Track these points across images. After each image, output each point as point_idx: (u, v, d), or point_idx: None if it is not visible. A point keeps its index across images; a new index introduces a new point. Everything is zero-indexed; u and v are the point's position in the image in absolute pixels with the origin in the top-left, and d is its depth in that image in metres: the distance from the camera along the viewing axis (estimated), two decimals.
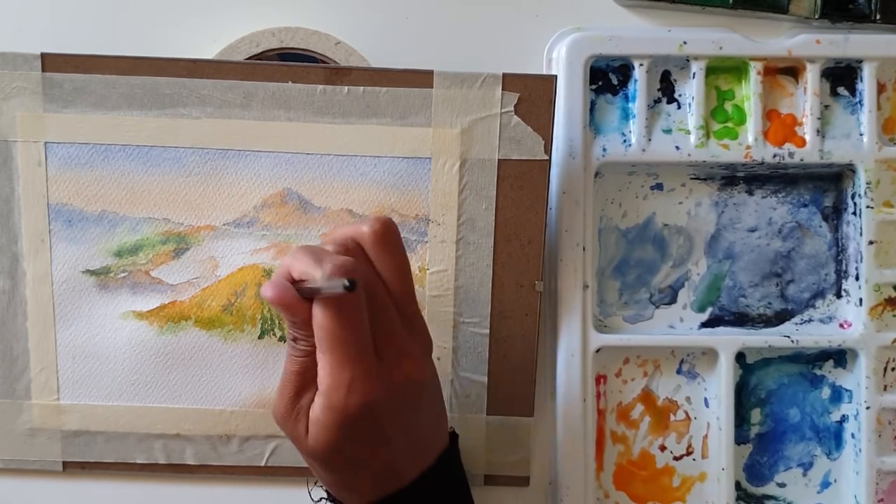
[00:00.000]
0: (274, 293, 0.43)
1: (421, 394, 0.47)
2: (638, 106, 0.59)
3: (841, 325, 0.61)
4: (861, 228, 0.60)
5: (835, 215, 0.62)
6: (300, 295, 0.44)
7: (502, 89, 0.56)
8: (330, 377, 0.44)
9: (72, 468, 0.59)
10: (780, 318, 0.62)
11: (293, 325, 0.45)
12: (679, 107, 0.60)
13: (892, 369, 0.60)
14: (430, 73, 0.56)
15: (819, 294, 0.62)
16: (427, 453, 0.49)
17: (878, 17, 0.59)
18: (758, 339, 0.60)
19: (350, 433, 0.45)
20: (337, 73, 0.56)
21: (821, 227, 0.62)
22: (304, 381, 0.45)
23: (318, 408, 0.45)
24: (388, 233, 0.46)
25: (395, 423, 0.46)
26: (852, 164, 0.60)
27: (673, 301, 0.62)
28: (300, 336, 0.45)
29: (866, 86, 0.60)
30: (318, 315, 0.43)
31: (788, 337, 0.60)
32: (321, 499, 0.52)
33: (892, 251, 0.60)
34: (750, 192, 0.62)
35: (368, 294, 0.44)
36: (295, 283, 0.44)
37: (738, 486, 0.61)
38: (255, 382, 0.58)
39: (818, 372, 0.62)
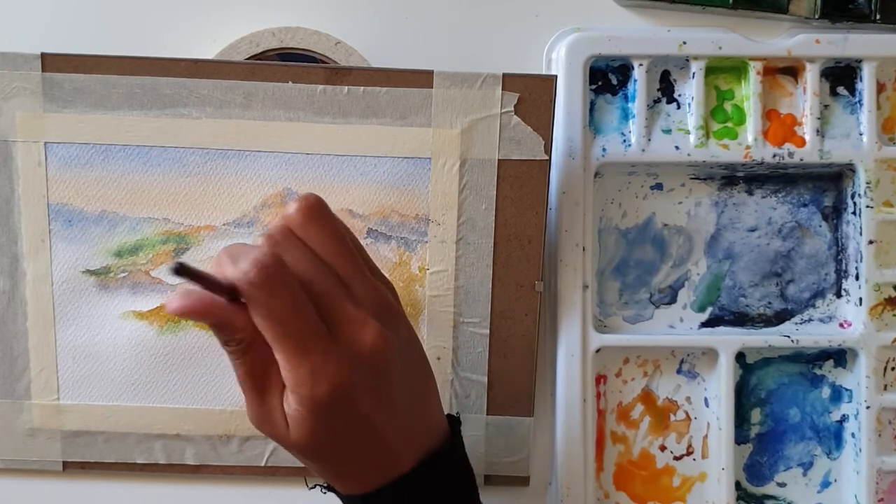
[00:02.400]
0: (177, 305, 0.41)
1: (389, 364, 0.45)
2: (637, 106, 0.59)
3: (841, 325, 0.61)
4: (861, 228, 0.60)
5: (835, 215, 0.62)
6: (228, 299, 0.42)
7: (502, 89, 0.56)
8: (290, 373, 0.42)
9: (72, 468, 0.59)
10: (780, 317, 0.62)
11: (214, 330, 0.43)
12: (679, 107, 0.60)
13: (893, 369, 0.60)
14: (430, 73, 0.56)
15: (819, 294, 0.62)
16: (421, 435, 0.48)
17: (877, 17, 0.59)
18: (758, 338, 0.60)
19: (328, 421, 0.43)
20: (337, 73, 0.56)
21: (821, 226, 0.62)
22: (258, 379, 0.44)
23: (291, 403, 0.43)
24: (313, 209, 0.44)
25: (371, 400, 0.44)
26: (852, 164, 0.60)
27: (673, 301, 0.62)
28: (224, 337, 0.43)
29: (866, 85, 0.60)
30: (254, 316, 0.41)
31: (788, 337, 0.60)
32: (316, 485, 0.50)
33: (892, 251, 0.60)
34: (750, 192, 0.62)
35: (305, 276, 0.42)
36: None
37: (738, 485, 0.61)
38: None
39: (818, 372, 0.62)
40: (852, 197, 0.61)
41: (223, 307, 0.42)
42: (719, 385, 0.60)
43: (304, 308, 0.42)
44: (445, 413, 0.51)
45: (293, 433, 0.44)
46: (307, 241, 0.44)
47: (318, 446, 0.45)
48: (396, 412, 0.46)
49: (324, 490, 0.50)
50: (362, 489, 0.47)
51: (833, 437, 0.62)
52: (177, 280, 0.57)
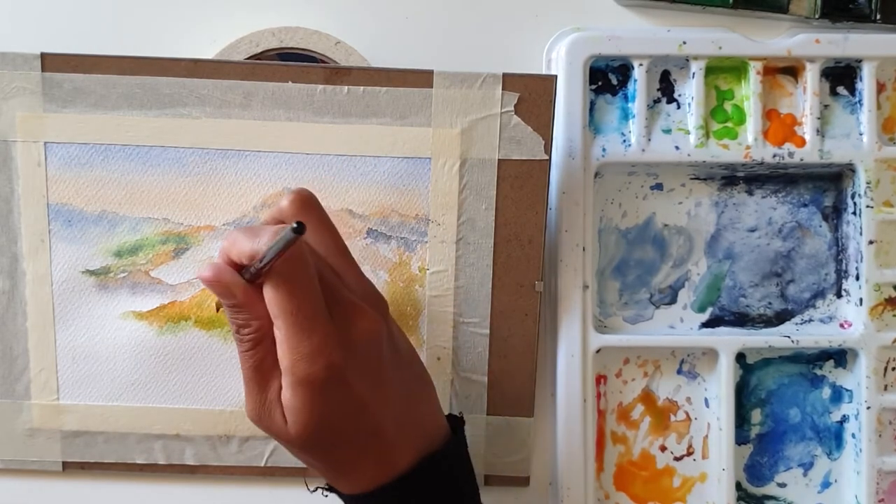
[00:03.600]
0: (211, 273, 0.43)
1: (380, 348, 0.46)
2: (637, 106, 0.59)
3: (841, 325, 0.61)
4: (861, 228, 0.60)
5: (835, 215, 0.62)
6: (248, 279, 0.44)
7: (502, 89, 0.56)
8: (291, 351, 0.43)
9: (72, 468, 0.59)
10: (781, 318, 0.62)
11: (234, 311, 0.44)
12: (679, 107, 0.60)
13: (893, 369, 0.60)
14: (430, 73, 0.56)
15: (819, 294, 0.62)
16: (419, 434, 0.48)
17: (878, 16, 0.59)
18: (758, 339, 0.60)
19: (324, 405, 0.44)
20: (337, 73, 0.56)
21: (821, 226, 0.62)
22: (263, 373, 0.45)
23: (287, 390, 0.44)
24: (305, 202, 0.46)
25: (365, 382, 0.45)
26: (852, 164, 0.60)
27: (673, 301, 0.62)
28: (242, 322, 0.44)
29: (866, 85, 0.60)
30: (270, 291, 0.43)
31: (789, 337, 0.60)
32: (317, 488, 0.51)
33: (892, 251, 0.60)
34: (750, 192, 0.62)
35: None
36: (239, 269, 0.44)
37: (738, 486, 0.61)
38: None
39: (818, 372, 0.62)
40: (852, 197, 0.61)
41: (246, 288, 0.44)
42: (719, 385, 0.60)
43: (316, 289, 0.43)
44: (447, 413, 0.51)
45: (291, 425, 0.45)
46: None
47: (316, 436, 0.45)
48: (390, 400, 0.47)
49: (325, 493, 0.50)
50: (362, 487, 0.47)
51: (833, 438, 0.62)
52: (178, 280, 0.57)
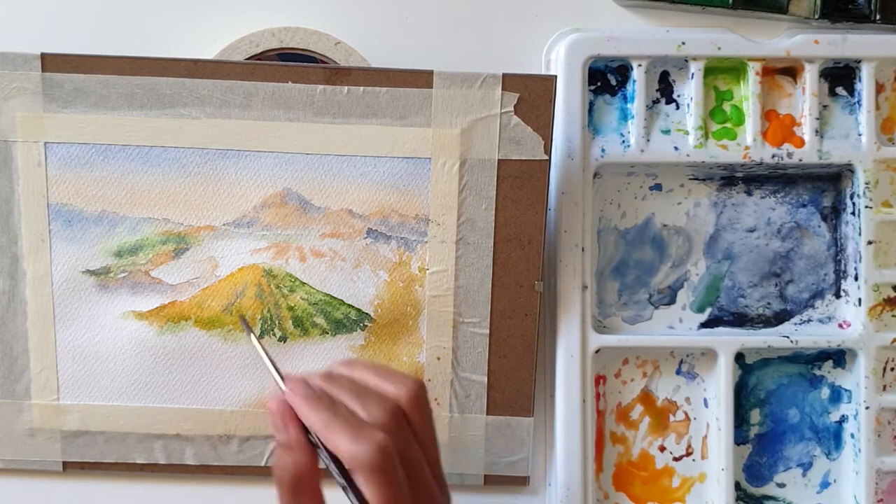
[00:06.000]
0: (274, 407, 0.46)
1: None
2: (636, 106, 0.59)
3: (840, 326, 0.62)
4: (860, 228, 0.60)
5: (833, 215, 0.62)
6: (312, 441, 0.45)
7: (502, 89, 0.56)
8: None
9: (72, 468, 0.59)
10: (780, 318, 0.62)
11: (281, 450, 0.46)
12: (678, 107, 0.61)
13: (892, 369, 0.60)
14: (429, 73, 0.56)
15: (818, 294, 0.62)
16: None
17: (877, 17, 0.59)
18: (757, 339, 0.60)
19: None
20: (337, 73, 0.56)
21: (820, 227, 0.62)
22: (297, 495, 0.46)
23: None
24: (424, 398, 0.47)
25: None
26: (851, 165, 0.60)
27: (672, 302, 0.62)
28: (282, 449, 0.45)
29: (865, 86, 0.60)
30: (363, 488, 0.44)
31: (788, 337, 0.60)
32: None
33: (891, 251, 0.60)
34: (749, 193, 0.62)
35: (407, 457, 0.45)
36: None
37: (737, 486, 0.61)
38: (255, 382, 0.58)
39: (817, 372, 0.62)
40: (851, 197, 0.61)
41: (303, 444, 0.45)
42: (718, 386, 0.60)
43: (403, 487, 0.44)
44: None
45: None
46: (412, 423, 0.47)
47: None
48: None
49: None
50: None
51: (832, 438, 0.62)
52: (178, 280, 0.57)
